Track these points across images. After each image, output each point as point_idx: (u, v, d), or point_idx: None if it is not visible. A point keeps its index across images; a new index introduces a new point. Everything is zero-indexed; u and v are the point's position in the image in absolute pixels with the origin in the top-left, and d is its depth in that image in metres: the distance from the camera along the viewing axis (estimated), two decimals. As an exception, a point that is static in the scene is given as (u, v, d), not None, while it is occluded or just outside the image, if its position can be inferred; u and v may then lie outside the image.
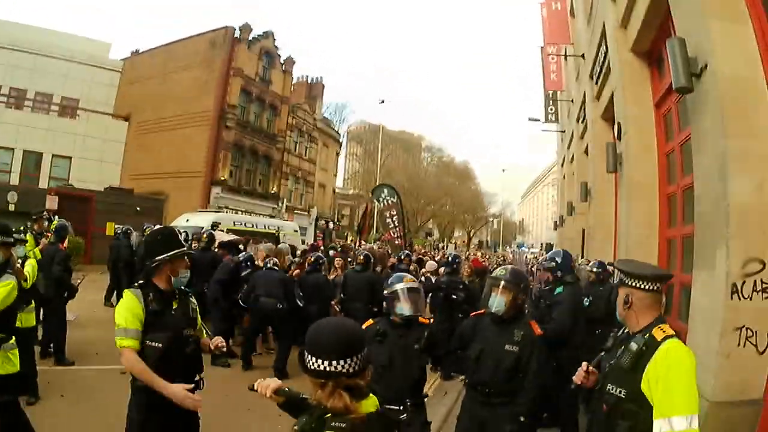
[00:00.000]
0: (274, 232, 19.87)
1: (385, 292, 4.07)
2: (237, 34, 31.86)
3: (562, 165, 24.19)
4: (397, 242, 21.00)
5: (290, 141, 37.89)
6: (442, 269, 10.96)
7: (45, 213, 10.24)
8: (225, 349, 3.75)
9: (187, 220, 18.04)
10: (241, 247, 11.38)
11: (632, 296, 2.79)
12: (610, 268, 8.07)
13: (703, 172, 4.86)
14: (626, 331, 2.89)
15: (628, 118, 8.17)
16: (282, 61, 36.10)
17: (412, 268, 11.03)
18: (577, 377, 3.04)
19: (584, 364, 3.07)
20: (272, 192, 35.31)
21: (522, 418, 3.87)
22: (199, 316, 3.80)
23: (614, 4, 8.62)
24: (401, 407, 3.85)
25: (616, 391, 2.70)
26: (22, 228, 7.81)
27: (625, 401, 2.64)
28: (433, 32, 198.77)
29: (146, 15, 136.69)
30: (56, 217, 11.27)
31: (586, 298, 7.14)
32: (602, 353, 3.04)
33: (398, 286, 4.07)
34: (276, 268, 8.73)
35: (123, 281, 11.44)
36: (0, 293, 4.37)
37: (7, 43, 29.57)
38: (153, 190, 29.19)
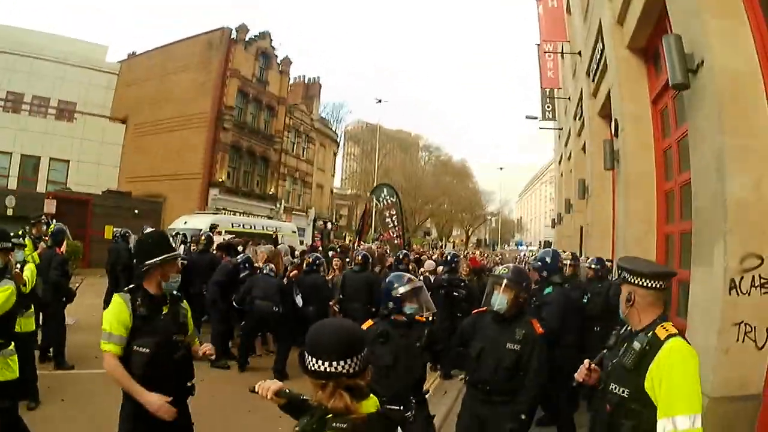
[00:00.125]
0: (272, 233, 19.88)
1: (394, 293, 4.03)
2: (234, 35, 31.82)
3: (560, 162, 24.21)
4: (396, 241, 21.06)
5: (287, 142, 37.86)
6: (440, 268, 10.97)
7: (43, 217, 10.22)
8: (214, 357, 3.74)
9: (185, 222, 18.07)
10: (240, 248, 11.35)
11: (635, 294, 2.78)
12: (609, 264, 8.10)
13: (701, 168, 4.87)
14: (628, 328, 2.88)
15: (625, 115, 8.18)
16: (279, 62, 36.06)
17: (410, 267, 11.02)
18: (579, 375, 3.04)
19: (586, 361, 3.07)
20: (270, 193, 35.26)
21: (523, 416, 3.89)
22: (191, 321, 3.80)
23: (610, 1, 8.63)
24: (405, 405, 3.86)
25: (619, 390, 2.69)
26: (20, 232, 7.80)
27: (628, 401, 2.63)
28: (433, 32, 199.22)
29: (146, 15, 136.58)
30: (54, 221, 11.26)
31: (585, 295, 7.16)
32: (605, 351, 3.03)
33: (408, 287, 4.06)
34: (272, 274, 8.70)
35: (121, 285, 11.29)
36: None
37: (4, 46, 29.49)
38: (151, 192, 29.12)
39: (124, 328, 3.37)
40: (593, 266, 7.57)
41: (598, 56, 10.19)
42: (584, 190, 12.77)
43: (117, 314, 3.39)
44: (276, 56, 35.81)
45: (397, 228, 21.45)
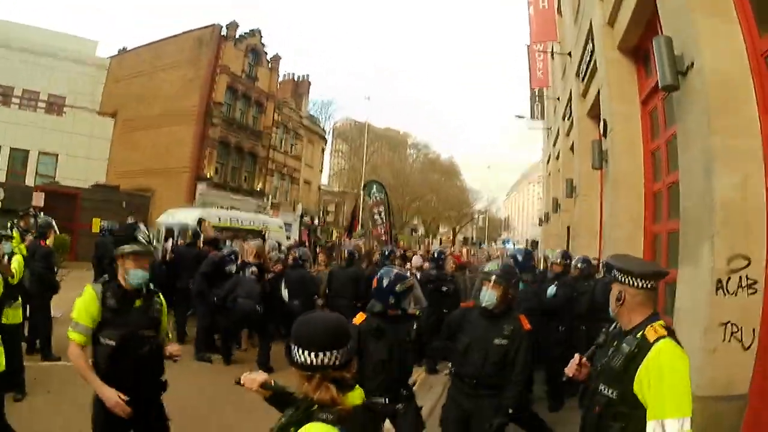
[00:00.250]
0: (259, 228, 19.80)
1: (398, 288, 4.02)
2: (224, 31, 31.73)
3: (548, 162, 24.26)
4: (383, 238, 21.06)
5: (276, 138, 37.77)
6: (426, 264, 11.03)
7: (31, 210, 10.17)
8: (178, 358, 3.66)
9: (173, 217, 17.95)
10: (228, 242, 11.31)
11: (625, 293, 2.75)
12: (595, 262, 8.13)
13: (689, 168, 4.89)
14: (618, 325, 2.87)
15: (614, 116, 8.22)
16: (268, 59, 36.00)
17: (397, 263, 11.05)
18: (570, 369, 3.04)
19: (577, 356, 3.07)
20: (257, 188, 35.17)
21: (510, 411, 3.94)
22: (165, 317, 3.77)
23: (601, 2, 8.64)
24: (397, 398, 3.95)
25: (607, 392, 2.68)
26: (9, 225, 7.76)
27: (617, 403, 2.62)
28: (434, 32, 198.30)
29: (146, 15, 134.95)
30: (42, 213, 11.18)
31: (574, 293, 7.20)
32: (595, 347, 3.03)
33: (409, 283, 4.11)
34: (254, 276, 8.67)
35: (109, 278, 11.25)
36: None
37: (-5, 40, 29.27)
38: (139, 186, 28.96)
39: (90, 319, 3.37)
40: (579, 265, 7.59)
41: (588, 57, 10.22)
42: (572, 190, 12.80)
43: (86, 304, 3.40)
44: (266, 53, 35.76)
45: (384, 225, 21.45)
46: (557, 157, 19.03)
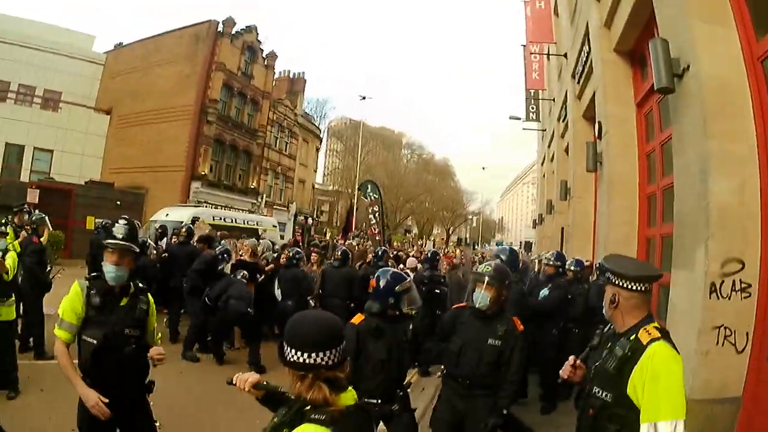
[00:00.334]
0: (253, 227, 19.80)
1: (398, 289, 4.03)
2: (220, 28, 31.58)
3: (542, 164, 24.32)
4: (377, 238, 21.14)
5: (271, 136, 37.63)
6: (419, 266, 11.03)
7: (25, 206, 10.11)
8: (160, 362, 3.55)
9: (167, 215, 17.95)
10: (223, 242, 11.28)
11: (619, 296, 2.74)
12: (587, 264, 8.13)
13: (684, 172, 4.90)
14: (612, 327, 2.87)
15: (609, 118, 8.23)
16: (264, 56, 35.83)
17: (390, 263, 11.04)
18: (564, 371, 3.03)
19: (571, 357, 3.05)
20: (252, 187, 35.07)
21: (505, 411, 3.95)
22: (152, 317, 3.70)
23: (598, 4, 8.67)
24: (393, 398, 3.96)
25: (602, 394, 2.67)
26: (3, 221, 7.72)
27: (611, 405, 2.61)
28: (425, 41, 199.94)
29: (146, 15, 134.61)
30: (36, 210, 11.14)
31: (567, 296, 7.19)
32: (589, 349, 3.01)
33: (408, 283, 4.13)
34: (245, 281, 8.63)
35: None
36: None
37: (-8, 35, 29.12)
38: (133, 184, 28.82)
39: (75, 316, 3.35)
40: (573, 268, 7.57)
41: (584, 59, 10.23)
42: (566, 192, 12.82)
43: (71, 301, 3.37)
44: (261, 50, 35.59)
45: (378, 225, 21.53)
46: (552, 159, 19.07)
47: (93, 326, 3.34)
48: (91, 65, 33.60)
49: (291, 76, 44.73)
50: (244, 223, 20.23)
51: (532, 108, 24.18)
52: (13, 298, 6.30)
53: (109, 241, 3.52)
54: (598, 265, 7.37)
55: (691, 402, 3.95)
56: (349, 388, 2.04)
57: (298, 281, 8.89)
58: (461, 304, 4.47)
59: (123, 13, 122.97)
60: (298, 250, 9.92)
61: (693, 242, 4.49)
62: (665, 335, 2.62)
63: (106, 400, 3.26)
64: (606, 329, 2.95)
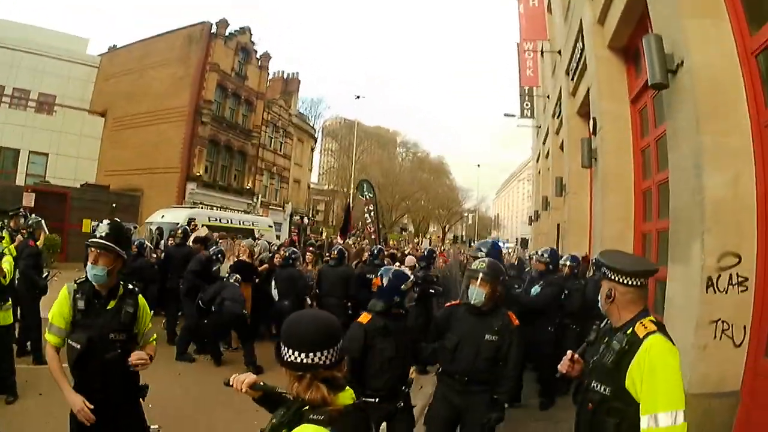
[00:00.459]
0: (249, 227, 19.81)
1: (403, 287, 4.06)
2: (214, 29, 31.54)
3: (538, 160, 24.32)
4: (372, 236, 21.16)
5: (265, 136, 37.65)
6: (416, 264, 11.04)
7: (21, 210, 10.09)
8: (142, 367, 3.44)
9: (163, 216, 17.97)
10: (220, 242, 11.28)
11: (615, 291, 2.75)
12: (582, 259, 8.13)
13: (679, 167, 4.91)
14: (609, 322, 2.87)
15: (603, 114, 8.24)
16: (258, 57, 35.85)
17: (386, 262, 11.03)
18: (563, 366, 3.03)
19: (569, 352, 3.05)
20: (247, 187, 35.05)
21: (506, 405, 4.02)
22: (142, 320, 3.60)
23: (591, 1, 8.67)
24: (397, 395, 4.00)
25: (600, 388, 2.68)
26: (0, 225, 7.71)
27: (610, 399, 2.63)
28: (425, 40, 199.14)
29: (146, 15, 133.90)
30: (32, 215, 11.13)
31: (563, 292, 7.18)
32: (586, 344, 3.03)
33: (411, 282, 4.17)
34: (238, 284, 8.62)
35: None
36: None
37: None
38: (128, 186, 28.82)
39: (62, 319, 3.32)
40: (569, 263, 7.56)
41: (578, 55, 10.24)
42: (561, 188, 12.84)
43: (59, 305, 3.35)
44: (255, 51, 35.60)
45: (373, 223, 21.53)
46: (547, 156, 19.08)
47: (79, 330, 3.30)
48: (85, 68, 33.61)
49: (285, 76, 44.70)
50: (240, 224, 20.24)
51: (527, 105, 24.21)
52: (10, 303, 6.27)
53: (89, 239, 3.46)
54: (594, 261, 7.36)
55: (689, 396, 3.95)
56: (347, 387, 2.04)
57: (295, 281, 8.89)
58: (455, 302, 4.48)
59: (123, 13, 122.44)
60: (294, 249, 9.93)
61: (689, 237, 4.50)
62: (661, 328, 2.63)
63: (92, 406, 3.22)
64: (603, 324, 2.96)
